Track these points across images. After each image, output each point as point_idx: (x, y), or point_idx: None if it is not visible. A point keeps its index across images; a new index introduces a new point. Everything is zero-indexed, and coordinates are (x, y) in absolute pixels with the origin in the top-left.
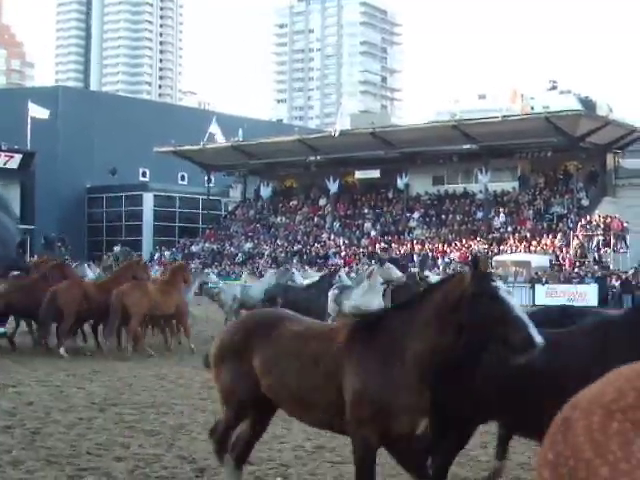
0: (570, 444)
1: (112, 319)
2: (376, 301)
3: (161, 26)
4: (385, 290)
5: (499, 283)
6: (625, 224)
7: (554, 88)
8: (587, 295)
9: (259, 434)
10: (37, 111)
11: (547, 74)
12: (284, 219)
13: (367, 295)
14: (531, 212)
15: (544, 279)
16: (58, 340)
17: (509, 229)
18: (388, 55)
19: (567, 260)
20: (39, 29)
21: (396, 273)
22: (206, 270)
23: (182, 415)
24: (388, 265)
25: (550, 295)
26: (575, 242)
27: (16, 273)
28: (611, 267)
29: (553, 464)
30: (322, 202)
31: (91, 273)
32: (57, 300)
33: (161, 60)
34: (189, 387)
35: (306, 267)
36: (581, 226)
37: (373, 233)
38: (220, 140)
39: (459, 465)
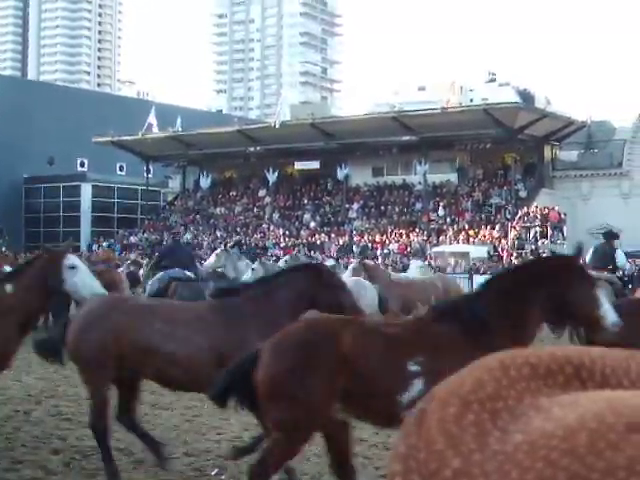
0: (423, 436)
1: None
2: None
3: (100, 15)
4: None
5: None
6: (562, 216)
7: (493, 80)
8: None
9: None
10: None
11: (486, 66)
12: (223, 210)
13: None
14: (470, 203)
15: (482, 270)
16: None
17: (448, 220)
18: (328, 46)
19: (505, 251)
20: None
21: None
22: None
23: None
24: None
25: None
26: (513, 233)
27: None
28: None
29: (404, 456)
30: (261, 193)
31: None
32: None
33: (99, 49)
34: None
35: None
36: (519, 217)
37: (312, 224)
38: (155, 131)
39: None
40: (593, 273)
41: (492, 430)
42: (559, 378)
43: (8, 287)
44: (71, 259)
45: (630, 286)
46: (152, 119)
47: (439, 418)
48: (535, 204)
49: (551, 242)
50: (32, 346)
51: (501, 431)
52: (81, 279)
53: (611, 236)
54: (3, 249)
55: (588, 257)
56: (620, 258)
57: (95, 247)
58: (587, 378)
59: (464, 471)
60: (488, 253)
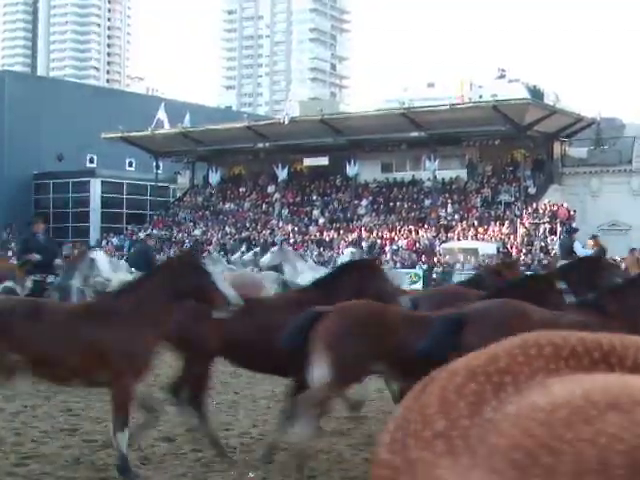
0: (421, 401)
1: None
2: None
3: (109, 11)
4: None
5: None
6: (571, 212)
7: (502, 77)
8: None
9: None
10: None
11: (496, 63)
12: (232, 206)
13: None
14: (479, 200)
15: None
16: None
17: (457, 217)
18: (337, 42)
19: (514, 248)
20: None
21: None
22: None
23: None
24: None
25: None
26: (522, 230)
27: None
28: (558, 254)
29: (398, 417)
30: (271, 189)
31: None
32: None
33: (109, 45)
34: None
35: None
36: (528, 214)
37: (321, 220)
38: (166, 127)
39: None
40: (564, 263)
41: (491, 401)
42: (584, 360)
43: None
44: None
45: None
46: (162, 115)
47: (442, 386)
48: (544, 201)
49: (560, 239)
50: None
51: (500, 402)
52: None
53: (571, 231)
54: (12, 245)
55: (557, 250)
56: (577, 249)
57: (104, 243)
58: (616, 363)
59: (444, 434)
60: (497, 250)
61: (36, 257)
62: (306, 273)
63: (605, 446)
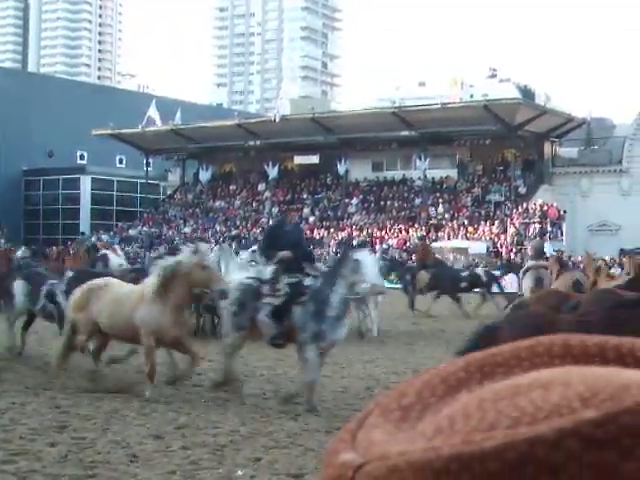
0: (407, 383)
1: None
2: None
3: (100, 7)
4: None
5: None
6: (561, 212)
7: (494, 76)
8: None
9: None
10: None
11: (487, 62)
12: (223, 204)
13: None
14: (469, 199)
15: (481, 266)
16: None
17: (447, 216)
18: (329, 41)
19: (504, 247)
20: None
21: None
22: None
23: (116, 400)
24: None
25: None
26: (512, 229)
27: None
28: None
29: (379, 398)
30: (261, 187)
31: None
32: None
33: (100, 42)
34: (124, 372)
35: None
36: (518, 214)
37: (312, 219)
38: (158, 124)
39: None
40: (532, 262)
41: (472, 386)
42: (594, 359)
43: None
44: None
45: None
46: (153, 112)
47: (433, 372)
48: (534, 200)
49: (550, 239)
50: None
51: (481, 387)
52: None
53: (542, 234)
54: (2, 241)
55: (530, 252)
56: (547, 249)
57: (94, 239)
58: (631, 363)
59: (406, 407)
60: (487, 249)
61: (286, 254)
62: (237, 271)
63: (505, 414)
